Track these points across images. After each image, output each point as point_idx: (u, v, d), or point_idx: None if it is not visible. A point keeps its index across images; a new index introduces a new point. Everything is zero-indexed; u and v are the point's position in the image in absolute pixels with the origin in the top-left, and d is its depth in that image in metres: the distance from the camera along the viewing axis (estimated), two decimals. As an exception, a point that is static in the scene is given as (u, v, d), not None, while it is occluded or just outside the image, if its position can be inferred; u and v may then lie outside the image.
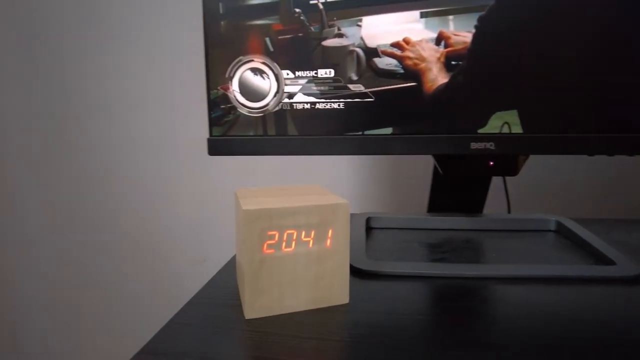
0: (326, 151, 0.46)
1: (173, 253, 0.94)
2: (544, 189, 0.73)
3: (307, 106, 0.45)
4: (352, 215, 0.61)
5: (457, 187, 0.53)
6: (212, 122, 0.47)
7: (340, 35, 0.43)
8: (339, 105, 0.45)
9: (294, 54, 0.44)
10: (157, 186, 0.91)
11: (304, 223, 0.32)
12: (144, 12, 0.84)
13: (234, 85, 0.45)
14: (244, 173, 0.86)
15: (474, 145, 0.43)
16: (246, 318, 0.32)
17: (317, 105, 0.45)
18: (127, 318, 1.00)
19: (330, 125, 0.45)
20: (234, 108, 0.46)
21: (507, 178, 0.59)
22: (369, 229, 0.54)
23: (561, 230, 0.50)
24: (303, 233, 0.32)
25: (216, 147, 0.47)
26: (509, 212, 0.60)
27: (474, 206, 0.55)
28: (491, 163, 0.46)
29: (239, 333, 0.30)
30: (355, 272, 0.40)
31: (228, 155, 0.47)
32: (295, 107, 0.46)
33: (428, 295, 0.35)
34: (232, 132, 0.47)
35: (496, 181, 0.55)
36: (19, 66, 0.92)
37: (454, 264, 0.41)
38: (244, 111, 0.46)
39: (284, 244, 0.32)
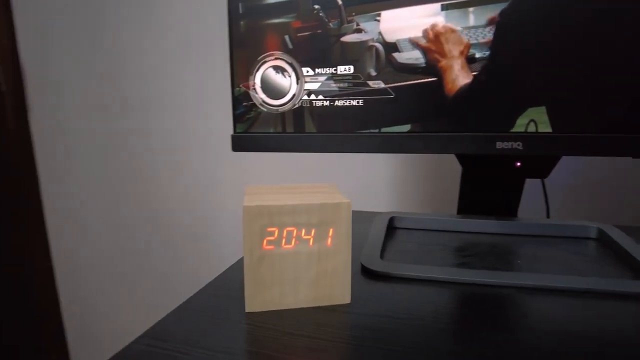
0: (344, 149, 0.46)
1: (222, 240, 0.98)
2: (589, 193, 0.67)
3: (327, 103, 0.45)
4: (375, 214, 0.60)
5: (488, 188, 0.51)
6: (236, 119, 0.48)
7: (359, 31, 0.42)
8: (358, 102, 0.44)
9: (314, 50, 0.44)
10: (203, 177, 0.96)
11: (304, 221, 0.32)
12: (184, 21, 0.88)
13: (256, 83, 0.46)
14: (281, 168, 0.88)
15: (500, 145, 0.41)
16: (246, 311, 0.33)
17: (336, 102, 0.45)
18: (179, 297, 1.06)
19: (349, 123, 0.45)
20: (255, 105, 0.47)
21: (547, 181, 0.54)
22: (392, 228, 0.53)
23: (603, 239, 0.46)
24: (303, 231, 0.32)
25: (239, 143, 0.49)
26: (547, 216, 0.56)
27: (507, 209, 0.52)
28: (518, 164, 0.43)
29: (237, 325, 0.31)
30: (367, 272, 0.39)
31: (251, 151, 0.49)
32: (314, 104, 0.46)
33: (437, 302, 0.34)
34: (254, 129, 0.48)
35: (536, 183, 0.52)
36: (83, 69, 1.01)
37: (473, 270, 0.39)
38: (265, 108, 0.47)
39: (283, 241, 0.32)
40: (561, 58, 0.38)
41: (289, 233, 0.32)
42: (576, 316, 0.31)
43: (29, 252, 1.15)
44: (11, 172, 1.09)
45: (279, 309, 0.33)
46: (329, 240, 0.32)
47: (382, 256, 0.43)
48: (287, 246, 0.32)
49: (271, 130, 0.47)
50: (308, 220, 0.32)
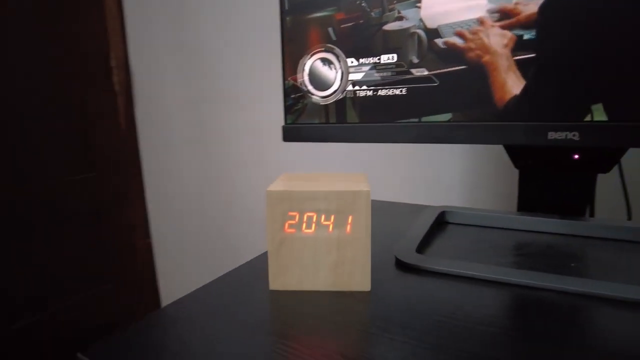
0: (388, 139, 0.45)
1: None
2: None
3: (370, 93, 0.45)
4: (425, 207, 0.58)
5: (548, 184, 0.46)
6: (286, 111, 0.50)
7: (400, 18, 0.42)
8: (401, 91, 0.44)
9: (357, 41, 0.44)
10: (275, 163, 1.01)
11: (324, 207, 0.33)
12: (260, 23, 0.93)
13: (304, 75, 0.48)
14: (350, 158, 0.89)
15: (552, 135, 0.37)
16: (270, 289, 0.35)
17: (380, 92, 0.45)
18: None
19: (392, 112, 0.44)
20: (302, 97, 0.49)
21: (628, 178, 0.48)
22: (444, 223, 0.51)
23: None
24: (322, 217, 0.33)
25: (289, 134, 0.51)
26: (629, 218, 0.49)
27: (576, 207, 0.46)
28: (576, 156, 0.38)
29: (258, 301, 0.33)
30: (400, 264, 0.39)
31: (299, 142, 0.51)
32: (357, 95, 0.46)
33: (463, 299, 0.33)
34: (302, 120, 0.50)
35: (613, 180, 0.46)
36: (176, 71, 1.12)
37: (513, 269, 0.36)
38: (312, 99, 0.48)
39: (304, 225, 0.33)
40: (614, 41, 0.33)
41: (309, 218, 0.33)
42: (625, 331, 0.28)
43: (133, 230, 1.32)
44: (120, 161, 1.27)
45: (300, 289, 0.35)
46: (348, 227, 0.33)
47: (421, 250, 0.42)
48: (307, 231, 0.33)
49: (317, 121, 0.48)
50: (327, 206, 0.33)
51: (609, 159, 0.37)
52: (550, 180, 0.46)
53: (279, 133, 0.98)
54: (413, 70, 0.43)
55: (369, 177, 0.84)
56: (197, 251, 1.23)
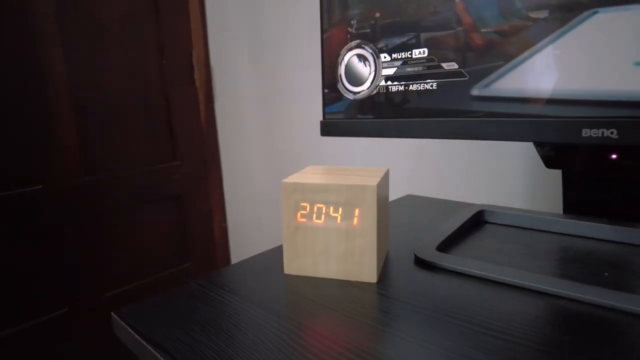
0: (419, 134, 0.45)
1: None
2: None
3: (402, 88, 0.45)
4: (462, 205, 0.56)
5: (595, 185, 0.42)
6: (324, 106, 0.52)
7: (435, 14, 0.41)
8: (431, 86, 0.43)
9: (391, 36, 0.45)
10: (332, 156, 1.03)
11: (333, 200, 0.35)
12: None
13: (341, 71, 0.49)
14: (409, 154, 0.88)
15: (587, 132, 0.34)
16: (285, 273, 0.37)
17: (411, 87, 0.45)
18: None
19: (423, 107, 0.44)
20: (340, 93, 0.50)
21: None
22: (481, 222, 0.49)
23: None
24: (331, 209, 0.35)
25: (327, 129, 0.53)
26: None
27: (626, 212, 0.42)
28: (614, 156, 0.35)
29: (273, 283, 0.36)
30: (418, 261, 0.39)
31: (336, 136, 0.52)
32: (390, 90, 0.46)
33: (471, 300, 0.32)
34: (339, 116, 0.51)
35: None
36: (253, 68, 1.20)
37: (533, 274, 0.34)
38: (348, 95, 0.50)
39: (314, 216, 0.35)
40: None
41: (319, 209, 0.35)
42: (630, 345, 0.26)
43: (211, 215, 1.44)
44: (201, 151, 1.39)
45: (312, 275, 0.37)
46: (355, 220, 0.34)
47: (446, 248, 0.41)
48: (317, 221, 0.35)
49: (353, 117, 0.50)
50: (336, 199, 0.34)
51: (650, 160, 0.33)
52: (595, 181, 0.42)
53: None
54: (444, 65, 0.42)
55: (428, 172, 0.82)
56: (266, 235, 1.31)
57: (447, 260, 0.37)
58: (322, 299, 0.33)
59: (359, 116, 0.49)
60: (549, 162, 0.39)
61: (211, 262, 1.47)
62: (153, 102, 1.26)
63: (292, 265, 0.37)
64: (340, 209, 0.35)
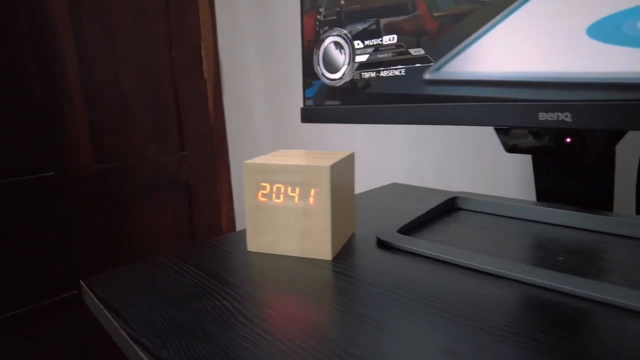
0: (390, 120, 0.46)
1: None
2: None
3: (373, 74, 0.46)
4: (435, 191, 0.56)
5: (562, 172, 0.42)
6: (305, 93, 0.54)
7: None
8: (400, 72, 0.44)
9: (362, 23, 0.45)
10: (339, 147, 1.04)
11: (289, 180, 0.36)
12: None
13: (320, 58, 0.51)
14: (411, 144, 0.88)
15: (543, 116, 0.34)
16: (248, 250, 0.39)
17: (382, 74, 0.45)
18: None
19: (393, 93, 0.45)
20: (319, 79, 0.51)
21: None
22: (455, 209, 0.50)
23: None
24: (289, 189, 0.36)
25: (306, 115, 0.54)
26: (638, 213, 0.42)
27: (600, 200, 0.42)
28: (568, 140, 0.35)
29: (234, 259, 0.38)
30: (380, 243, 0.40)
31: (315, 123, 0.54)
32: (363, 76, 0.47)
33: (427, 282, 0.33)
34: (319, 102, 0.52)
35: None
36: (261, 60, 1.22)
37: (484, 256, 0.35)
38: (325, 82, 0.51)
39: (274, 195, 0.37)
40: None
41: (278, 189, 0.37)
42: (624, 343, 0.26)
43: (218, 205, 1.48)
44: (207, 143, 1.42)
45: (274, 253, 0.38)
46: (311, 199, 0.36)
47: (409, 232, 0.42)
48: (277, 200, 0.37)
49: (331, 103, 0.51)
50: (293, 179, 0.36)
51: (605, 145, 0.33)
52: (563, 168, 0.42)
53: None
54: (411, 51, 0.42)
55: (427, 162, 0.82)
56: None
57: (404, 242, 0.38)
58: (277, 273, 0.34)
59: (338, 103, 0.50)
60: (509, 147, 0.39)
61: (219, 251, 1.51)
62: (162, 94, 1.30)
63: (255, 243, 0.39)
64: (297, 189, 0.36)
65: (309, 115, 0.54)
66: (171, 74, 1.30)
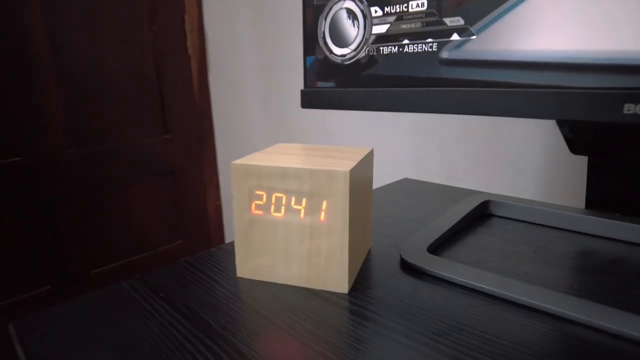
0: (416, 108, 0.37)
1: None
2: None
3: (395, 50, 0.37)
4: (466, 192, 0.48)
5: (629, 175, 0.34)
6: (306, 72, 0.44)
7: (432, -49, 0.32)
8: (431, 47, 0.35)
9: (381, -16, 0.36)
10: (336, 132, 0.95)
11: (294, 188, 0.27)
12: None
13: (325, 29, 0.41)
14: (416, 130, 0.79)
15: (630, 109, 0.26)
16: (237, 276, 0.30)
17: (406, 49, 0.36)
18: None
19: (422, 75, 0.36)
20: (325, 56, 0.42)
21: None
22: (487, 215, 0.42)
23: None
24: (293, 199, 0.27)
25: (308, 100, 0.45)
26: None
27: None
28: None
29: (220, 288, 0.29)
30: (405, 265, 0.32)
31: (319, 108, 0.44)
32: (382, 52, 0.38)
33: (460, 319, 0.25)
34: (324, 84, 0.43)
35: None
36: (252, 36, 1.10)
37: (546, 290, 0.27)
38: (333, 59, 0.41)
39: (272, 208, 0.28)
40: None
41: (278, 199, 0.28)
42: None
43: (204, 191, 1.38)
44: (193, 126, 1.31)
45: (270, 280, 0.30)
46: (322, 214, 0.27)
47: (438, 249, 0.34)
48: (276, 214, 0.28)
49: (338, 85, 0.42)
50: (298, 187, 0.27)
51: None
52: (630, 170, 0.33)
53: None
54: (446, 20, 0.33)
55: (435, 153, 0.74)
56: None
57: (438, 266, 0.30)
58: (275, 312, 0.26)
59: (348, 84, 0.41)
60: (575, 147, 0.31)
61: (205, 240, 1.42)
62: (143, 70, 1.18)
63: (245, 267, 0.30)
64: (303, 200, 0.27)
65: (311, 99, 0.44)
66: (153, 49, 1.18)
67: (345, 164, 0.27)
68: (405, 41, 0.36)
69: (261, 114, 1.14)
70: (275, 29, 1.02)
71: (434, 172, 0.74)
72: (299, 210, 0.27)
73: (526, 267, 0.31)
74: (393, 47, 0.37)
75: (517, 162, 0.64)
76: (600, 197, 0.37)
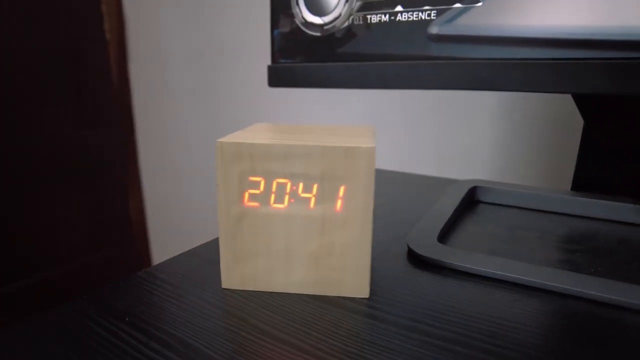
0: (411, 84, 0.33)
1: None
2: None
3: (386, 18, 0.33)
4: (444, 181, 0.46)
5: (622, 155, 0.33)
6: (274, 45, 0.38)
7: None
8: (429, 15, 0.31)
9: (370, -58, 0.32)
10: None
11: (302, 171, 0.21)
12: None
13: (299, -5, 0.36)
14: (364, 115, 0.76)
15: (658, 78, 0.24)
16: (222, 287, 0.24)
17: (400, 17, 0.32)
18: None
19: (418, 46, 0.32)
20: (296, 25, 0.36)
21: None
22: (474, 202, 0.39)
23: None
24: (301, 186, 0.22)
25: (277, 77, 0.39)
26: None
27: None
28: None
29: (206, 305, 0.22)
30: (415, 258, 0.28)
31: (290, 87, 0.39)
32: (370, 21, 0.33)
33: (507, 316, 0.21)
34: (295, 58, 0.38)
35: None
36: (182, 19, 1.00)
37: (575, 274, 0.24)
38: (309, 30, 0.36)
39: (272, 197, 0.22)
40: None
41: (280, 187, 0.22)
42: None
43: (125, 191, 1.24)
44: (112, 120, 1.16)
45: (265, 289, 0.24)
46: (339, 202, 0.22)
47: (442, 239, 0.31)
48: (277, 205, 0.22)
49: (314, 60, 0.36)
50: (307, 170, 0.21)
51: None
52: (618, 151, 0.33)
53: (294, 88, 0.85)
54: (448, -16, 0.30)
55: (388, 142, 0.72)
56: (194, 216, 1.14)
57: (456, 257, 0.26)
58: (286, 329, 0.20)
59: (326, 59, 0.36)
60: (593, 121, 0.29)
61: (129, 249, 1.27)
62: (54, 57, 1.01)
63: (234, 275, 0.24)
64: (314, 186, 0.22)
65: (282, 76, 0.39)
66: (65, 33, 1.02)
67: (363, 141, 0.22)
68: (397, 9, 0.32)
69: (194, 105, 1.04)
70: (212, 13, 0.93)
71: (387, 162, 0.72)
72: (308, 199, 0.22)
73: (542, 252, 0.28)
74: (383, 16, 0.33)
75: (468, 147, 0.64)
76: (589, 177, 0.36)
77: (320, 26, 0.35)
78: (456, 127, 0.64)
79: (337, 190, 0.21)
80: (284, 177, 0.22)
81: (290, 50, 0.38)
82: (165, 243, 1.27)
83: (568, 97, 0.48)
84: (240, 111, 0.94)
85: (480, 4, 0.29)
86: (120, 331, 0.20)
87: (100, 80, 1.12)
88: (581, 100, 0.34)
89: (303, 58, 0.38)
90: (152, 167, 1.22)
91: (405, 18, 0.32)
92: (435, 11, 0.31)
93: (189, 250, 0.29)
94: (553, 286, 0.23)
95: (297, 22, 0.36)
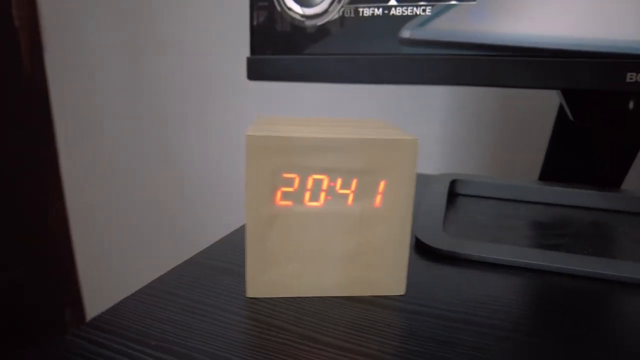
0: (405, 79, 0.33)
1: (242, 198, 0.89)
2: None
3: (379, 12, 0.33)
4: (429, 177, 0.48)
5: (591, 147, 0.37)
6: (254, 34, 0.36)
7: None
8: (423, 11, 0.31)
9: None
10: (238, 122, 0.85)
11: (341, 166, 0.20)
12: None
13: (284, -17, 0.34)
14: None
15: (632, 77, 0.27)
16: (247, 296, 0.22)
17: (394, 11, 0.32)
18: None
19: (404, 52, 0.32)
20: (279, 14, 0.35)
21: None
22: (452, 195, 0.41)
23: None
24: (339, 182, 0.20)
25: (257, 69, 0.37)
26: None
27: (608, 178, 0.38)
28: (631, 105, 0.29)
29: (229, 318, 0.20)
30: (424, 250, 0.28)
31: (270, 81, 0.37)
32: (362, 14, 0.33)
33: (533, 300, 0.22)
34: (277, 50, 0.36)
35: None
36: (108, 7, 0.90)
37: (578, 256, 0.26)
38: (293, 21, 0.35)
39: (307, 195, 0.21)
40: None
41: (317, 183, 0.20)
42: None
43: (44, 201, 1.10)
44: (25, 115, 1.03)
45: (294, 295, 0.22)
46: (379, 197, 0.21)
47: (447, 230, 0.31)
48: (312, 203, 0.21)
49: (299, 52, 0.35)
50: (348, 164, 0.20)
51: None
52: (585, 143, 0.36)
53: (245, 86, 0.81)
54: (445, -20, 0.30)
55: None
56: (129, 232, 1.05)
57: (471, 248, 0.27)
58: (336, 334, 0.19)
59: (314, 51, 0.35)
60: (580, 115, 0.32)
61: (48, 268, 1.13)
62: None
63: (261, 283, 0.22)
64: (353, 182, 0.20)
65: (263, 69, 0.37)
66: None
67: (400, 133, 0.21)
68: (392, 2, 0.32)
69: (122, 104, 0.95)
70: (140, 1, 0.86)
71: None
72: (346, 196, 0.21)
73: (538, 239, 0.30)
74: (376, 9, 0.32)
75: (423, 139, 0.66)
76: (557, 167, 0.39)
77: (309, 17, 0.34)
78: (413, 121, 0.66)
79: (377, 185, 0.21)
80: (322, 172, 0.20)
81: (271, 42, 0.36)
82: (97, 257, 1.15)
83: (515, 94, 0.51)
84: (177, 107, 0.88)
85: (474, 2, 0.30)
86: (149, 357, 0.17)
87: (10, 72, 0.98)
88: (569, 95, 0.36)
89: (285, 50, 0.36)
90: (75, 170, 1.10)
91: (400, 12, 0.32)
92: (429, 7, 0.31)
93: (189, 260, 0.26)
94: (571, 269, 0.25)
95: (282, 12, 0.35)
